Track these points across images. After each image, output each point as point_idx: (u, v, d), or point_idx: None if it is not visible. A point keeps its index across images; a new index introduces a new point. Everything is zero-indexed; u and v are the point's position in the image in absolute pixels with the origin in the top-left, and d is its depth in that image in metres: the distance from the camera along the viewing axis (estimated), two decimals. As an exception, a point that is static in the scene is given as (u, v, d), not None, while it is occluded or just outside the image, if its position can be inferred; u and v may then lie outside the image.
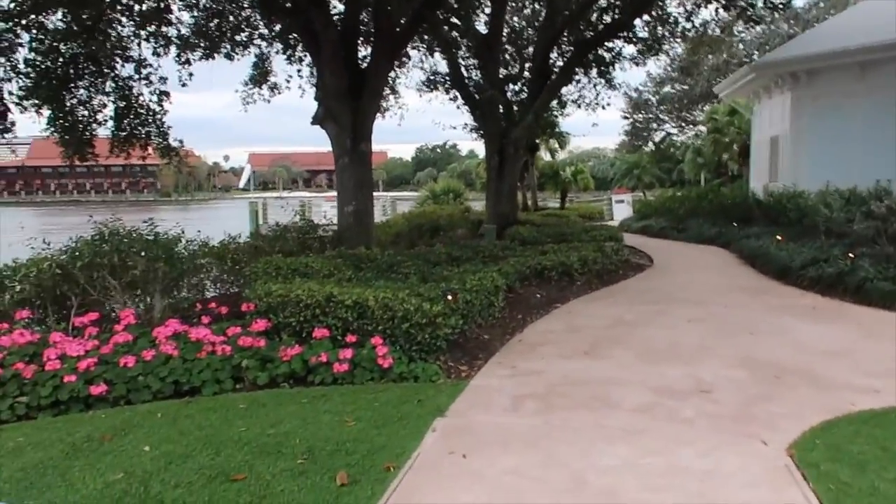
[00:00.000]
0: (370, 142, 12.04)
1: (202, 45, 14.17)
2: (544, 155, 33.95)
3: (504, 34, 17.43)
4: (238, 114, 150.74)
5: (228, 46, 14.71)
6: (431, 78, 18.63)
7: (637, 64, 16.30)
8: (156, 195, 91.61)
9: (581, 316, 7.62)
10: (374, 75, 11.76)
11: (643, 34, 15.54)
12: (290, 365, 5.12)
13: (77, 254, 6.18)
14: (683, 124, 40.15)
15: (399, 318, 5.51)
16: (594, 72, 17.49)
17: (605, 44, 15.94)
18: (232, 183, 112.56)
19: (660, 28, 16.42)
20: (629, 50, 16.56)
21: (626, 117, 39.19)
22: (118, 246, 6.11)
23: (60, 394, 4.50)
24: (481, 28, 16.23)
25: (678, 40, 17.66)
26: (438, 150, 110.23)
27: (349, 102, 11.51)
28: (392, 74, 18.51)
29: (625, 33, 15.33)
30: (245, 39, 14.93)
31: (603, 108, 17.84)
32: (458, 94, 17.85)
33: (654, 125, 40.46)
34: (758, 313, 7.55)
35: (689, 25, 16.26)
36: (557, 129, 26.45)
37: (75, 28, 12.53)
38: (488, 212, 16.56)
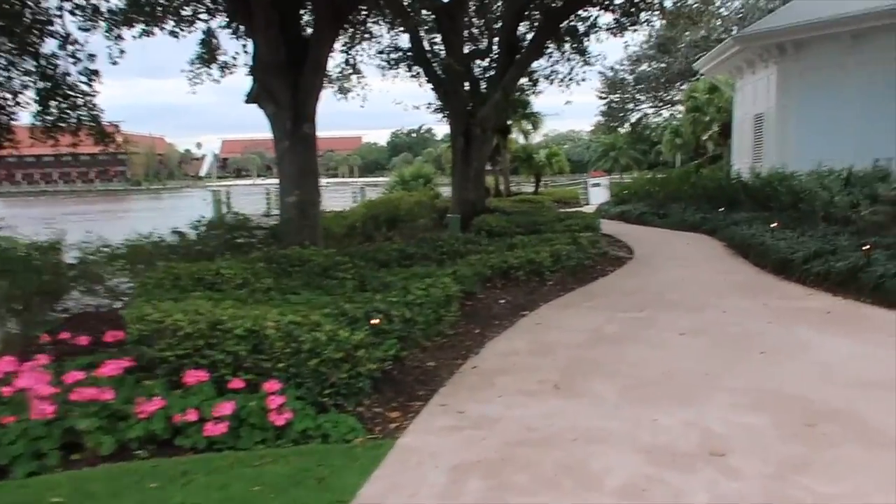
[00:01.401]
0: (314, 123, 10.53)
1: (141, 19, 12.53)
2: (518, 138, 32.57)
3: (470, 5, 16.00)
4: (213, 100, 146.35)
5: (172, 22, 13.08)
6: (392, 54, 17.11)
7: (614, 34, 14.91)
8: (126, 184, 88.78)
9: (552, 328, 6.29)
10: (315, 46, 10.22)
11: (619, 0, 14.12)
12: (149, 425, 3.72)
13: None
14: (661, 104, 38.96)
15: (306, 351, 4.11)
16: (568, 45, 16.12)
17: (579, 13, 14.54)
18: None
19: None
20: (605, 19, 15.16)
21: (601, 97, 37.88)
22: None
23: None
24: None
25: (657, 12, 16.31)
26: (414, 134, 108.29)
27: (288, 77, 10.01)
28: (349, 49, 17.00)
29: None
30: (190, 14, 13.29)
31: (577, 83, 16.44)
32: (421, 70, 16.39)
33: (631, 105, 39.20)
34: (763, 321, 6.29)
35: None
36: (530, 110, 25.11)
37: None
38: (454, 199, 15.18)
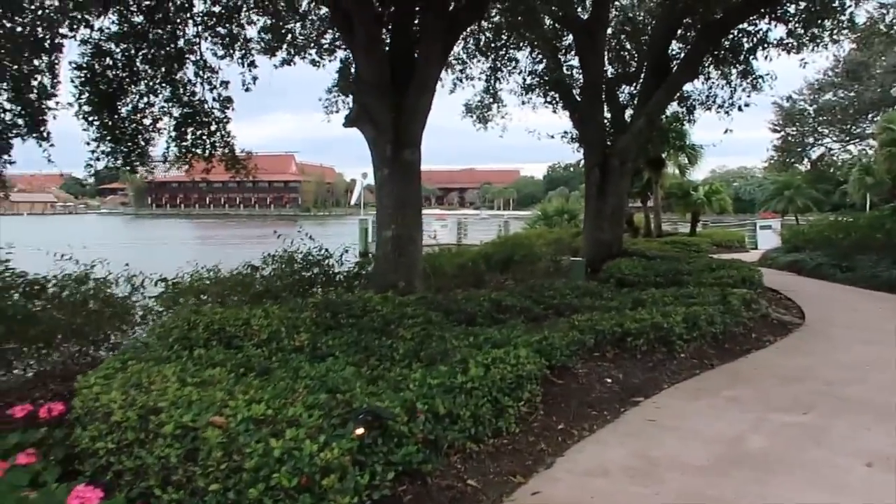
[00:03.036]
0: (418, 149, 9.49)
1: (283, 48, 12.53)
2: (677, 173, 29.76)
3: (613, 24, 14.37)
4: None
5: (313, 51, 12.97)
6: (528, 79, 15.78)
7: (788, 51, 12.41)
8: (297, 210, 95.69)
9: (669, 431, 4.48)
10: (423, 65, 9.19)
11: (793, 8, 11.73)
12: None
13: None
14: (848, 138, 34.14)
15: (249, 470, 2.77)
16: (731, 67, 13.82)
17: (744, 26, 12.33)
18: (369, 200, 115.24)
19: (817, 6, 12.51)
20: (777, 33, 12.76)
21: (775, 130, 33.87)
22: None
23: None
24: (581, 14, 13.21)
25: (845, 29, 13.57)
26: (571, 168, 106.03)
27: (390, 98, 9.05)
28: (490, 77, 15.89)
29: (770, 9, 11.63)
30: (329, 43, 13.12)
31: (740, 109, 13.97)
32: (556, 96, 14.92)
33: (811, 139, 34.72)
34: None
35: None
36: (686, 142, 22.57)
37: (126, 28, 11.13)
38: (585, 239, 13.44)
